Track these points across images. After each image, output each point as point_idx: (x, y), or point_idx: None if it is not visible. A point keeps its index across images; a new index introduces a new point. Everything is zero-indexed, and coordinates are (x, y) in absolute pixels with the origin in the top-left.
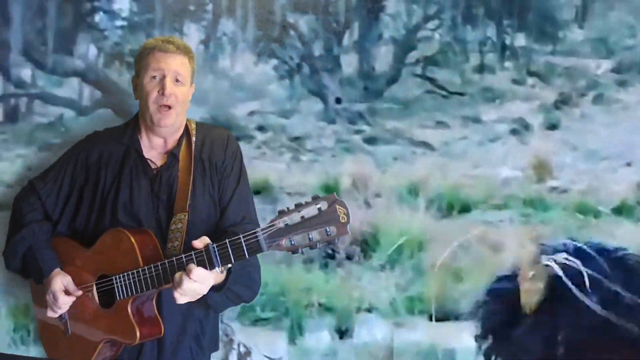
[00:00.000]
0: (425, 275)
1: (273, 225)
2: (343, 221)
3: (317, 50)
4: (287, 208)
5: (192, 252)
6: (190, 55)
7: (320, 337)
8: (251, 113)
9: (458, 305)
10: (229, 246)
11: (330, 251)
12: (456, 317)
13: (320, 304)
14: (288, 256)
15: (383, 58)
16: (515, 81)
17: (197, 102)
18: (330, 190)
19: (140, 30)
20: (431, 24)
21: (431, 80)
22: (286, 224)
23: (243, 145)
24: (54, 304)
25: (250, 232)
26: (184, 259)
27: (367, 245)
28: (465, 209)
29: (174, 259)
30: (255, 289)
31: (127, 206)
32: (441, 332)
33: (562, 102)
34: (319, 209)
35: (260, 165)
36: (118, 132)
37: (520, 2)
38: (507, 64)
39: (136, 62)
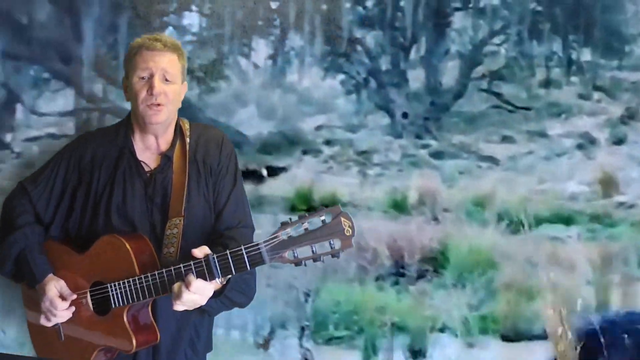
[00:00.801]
0: (497, 293)
1: (276, 236)
2: (348, 234)
3: (384, 65)
4: (290, 219)
5: (192, 262)
6: (179, 53)
7: (394, 357)
8: (319, 127)
9: (531, 325)
10: (229, 257)
11: (400, 269)
12: (528, 338)
13: (393, 324)
14: (361, 274)
15: (449, 73)
16: (581, 96)
17: (265, 117)
18: (398, 205)
19: (210, 45)
20: (497, 39)
21: (497, 94)
22: (289, 236)
23: (310, 160)
24: (50, 311)
25: (252, 244)
26: (183, 269)
27: (436, 262)
28: (532, 224)
29: (172, 269)
30: (250, 295)
31: (121, 209)
32: (513, 353)
33: (629, 116)
34: (323, 220)
35: (328, 180)
36: (111, 132)
37: (586, 17)
38: (573, 78)
39: (125, 62)
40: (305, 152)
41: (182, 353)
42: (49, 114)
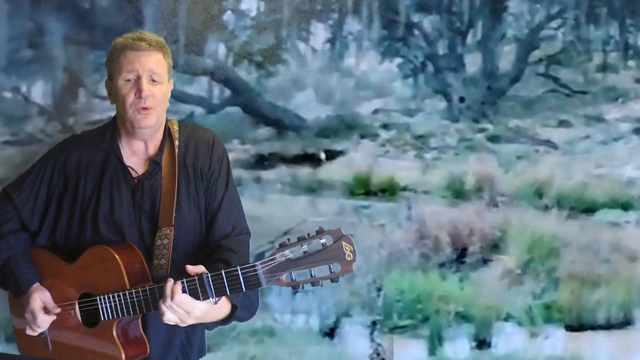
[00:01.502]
0: (559, 281)
1: (273, 258)
2: (349, 259)
3: (441, 49)
4: (289, 240)
5: (184, 280)
6: (165, 51)
7: (459, 346)
8: (376, 111)
9: (594, 314)
10: (224, 277)
11: (462, 256)
12: (592, 328)
13: (457, 312)
14: (423, 262)
15: (506, 57)
16: (638, 80)
17: (323, 100)
18: (456, 190)
19: (268, 29)
20: (554, 23)
21: (554, 79)
22: (287, 258)
23: (367, 143)
24: (32, 322)
25: (248, 265)
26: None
27: (498, 249)
28: (590, 209)
29: (163, 285)
30: (253, 310)
31: (109, 218)
32: (578, 343)
33: None
34: (323, 244)
35: (385, 164)
36: (96, 136)
37: None
38: (630, 62)
39: (107, 63)
40: (362, 136)
41: (173, 359)
42: None
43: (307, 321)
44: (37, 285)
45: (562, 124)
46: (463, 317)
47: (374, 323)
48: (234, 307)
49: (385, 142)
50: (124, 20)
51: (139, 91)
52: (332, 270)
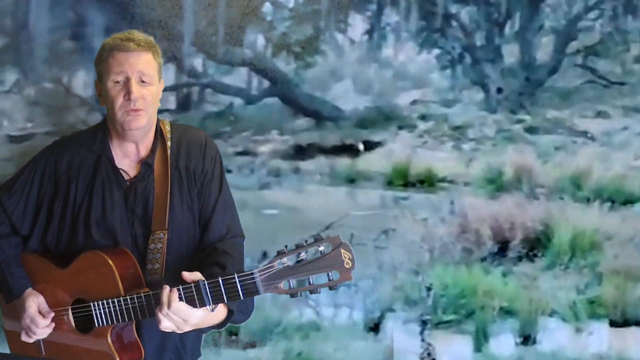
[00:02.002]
0: (603, 276)
1: (271, 266)
2: (348, 266)
3: (479, 40)
4: (286, 247)
5: (180, 287)
6: (155, 50)
7: (504, 342)
8: (414, 102)
9: (639, 310)
10: (221, 285)
11: (503, 250)
12: (637, 323)
13: (501, 308)
14: (465, 256)
15: (544, 48)
16: None
17: (361, 91)
18: (495, 182)
19: (307, 21)
20: (592, 14)
21: (592, 70)
22: (285, 266)
23: (405, 134)
24: (30, 328)
25: (246, 273)
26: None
27: (539, 242)
28: (629, 201)
29: (159, 292)
30: (249, 313)
31: (101, 222)
32: (623, 340)
33: None
34: (322, 251)
35: (423, 154)
36: (87, 138)
37: None
38: None
39: (96, 64)
40: (400, 127)
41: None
42: None
43: (351, 316)
44: (30, 290)
45: (600, 115)
46: (507, 312)
47: (424, 322)
48: (230, 312)
49: (423, 133)
50: (163, 12)
51: (128, 93)
52: (331, 278)
